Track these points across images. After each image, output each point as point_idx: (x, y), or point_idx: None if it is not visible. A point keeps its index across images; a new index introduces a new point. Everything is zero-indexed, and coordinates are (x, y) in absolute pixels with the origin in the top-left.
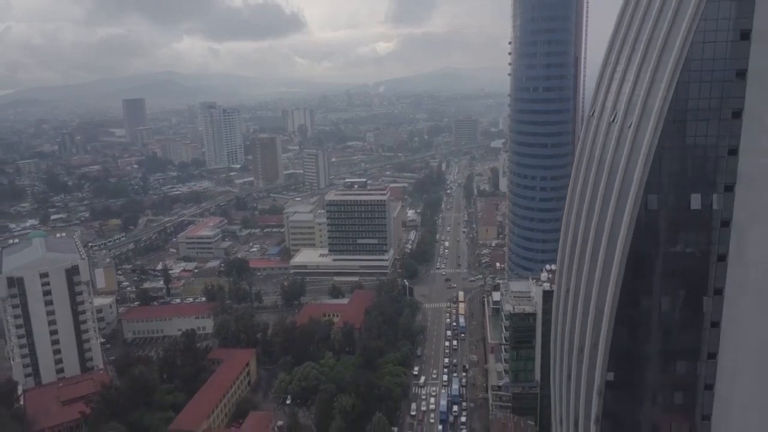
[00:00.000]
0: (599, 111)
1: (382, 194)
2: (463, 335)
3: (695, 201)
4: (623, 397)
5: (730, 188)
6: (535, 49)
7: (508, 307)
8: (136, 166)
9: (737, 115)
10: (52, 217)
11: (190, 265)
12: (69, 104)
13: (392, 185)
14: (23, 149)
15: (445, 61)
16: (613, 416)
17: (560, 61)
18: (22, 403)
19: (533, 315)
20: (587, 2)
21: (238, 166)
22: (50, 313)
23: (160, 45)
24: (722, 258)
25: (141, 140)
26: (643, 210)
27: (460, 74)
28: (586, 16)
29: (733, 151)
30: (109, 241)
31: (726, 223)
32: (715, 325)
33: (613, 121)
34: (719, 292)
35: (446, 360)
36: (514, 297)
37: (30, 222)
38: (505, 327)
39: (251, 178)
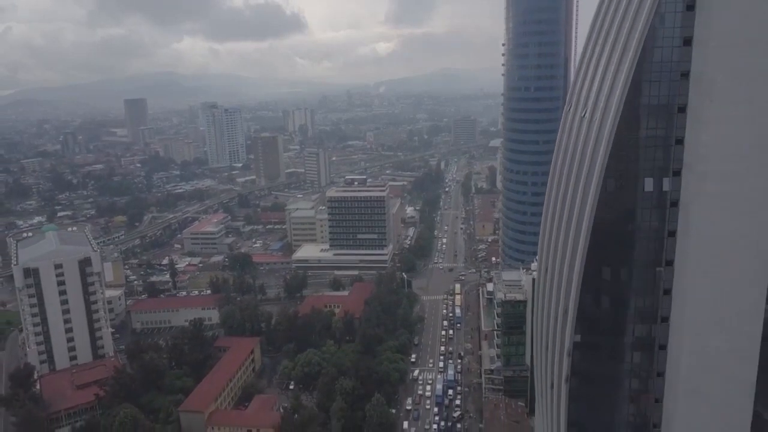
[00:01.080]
0: (574, 107)
1: (381, 191)
2: (459, 325)
3: (648, 184)
4: (588, 357)
5: (677, 173)
6: (526, 51)
7: (500, 295)
8: (139, 165)
9: (682, 109)
10: (59, 215)
11: (195, 260)
12: (70, 104)
13: (392, 183)
14: (26, 149)
15: (445, 61)
16: (580, 374)
17: (551, 62)
18: (38, 387)
19: (524, 302)
20: (577, 6)
21: (240, 164)
22: (64, 302)
23: (160, 45)
24: (672, 233)
25: (143, 140)
26: (604, 192)
27: (460, 75)
28: (576, 19)
29: (680, 141)
30: (108, 240)
31: (675, 203)
32: (667, 292)
33: (583, 115)
34: (670, 263)
35: (442, 348)
36: (506, 285)
37: (37, 219)
38: (497, 314)
39: (253, 177)
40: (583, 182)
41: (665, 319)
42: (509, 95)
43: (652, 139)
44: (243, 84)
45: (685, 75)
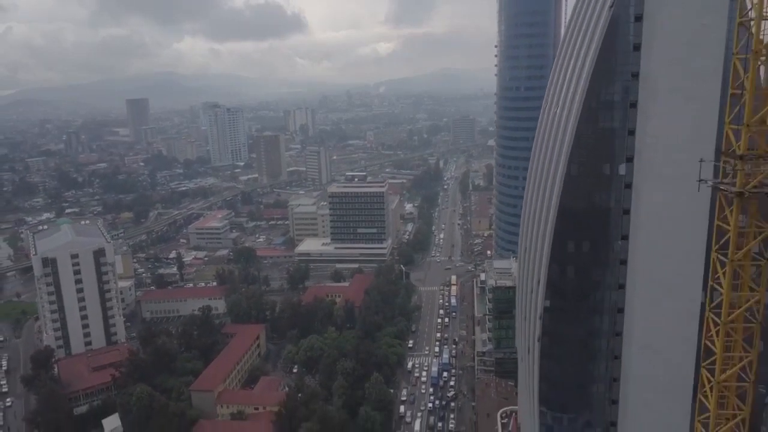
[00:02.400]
0: (549, 104)
1: (380, 186)
2: (454, 314)
3: (606, 169)
4: (557, 319)
5: (630, 159)
6: (517, 52)
7: (491, 282)
8: (142, 163)
9: (633, 105)
10: (66, 211)
11: (201, 254)
12: (71, 104)
13: (391, 181)
14: (29, 148)
15: (445, 61)
16: (550, 335)
17: (540, 63)
18: (56, 369)
19: (513, 288)
20: (566, 9)
21: (242, 163)
22: (80, 290)
23: (161, 45)
24: (627, 212)
25: (145, 139)
26: (569, 176)
27: (459, 75)
28: (566, 21)
29: (632, 132)
30: (116, 234)
31: (628, 186)
32: (623, 263)
33: (556, 112)
34: (625, 237)
35: (438, 335)
36: (497, 273)
37: (45, 215)
38: (489, 300)
39: (255, 175)
40: (553, 168)
41: (622, 286)
42: (502, 95)
43: (609, 130)
44: (243, 84)
45: (635, 76)
